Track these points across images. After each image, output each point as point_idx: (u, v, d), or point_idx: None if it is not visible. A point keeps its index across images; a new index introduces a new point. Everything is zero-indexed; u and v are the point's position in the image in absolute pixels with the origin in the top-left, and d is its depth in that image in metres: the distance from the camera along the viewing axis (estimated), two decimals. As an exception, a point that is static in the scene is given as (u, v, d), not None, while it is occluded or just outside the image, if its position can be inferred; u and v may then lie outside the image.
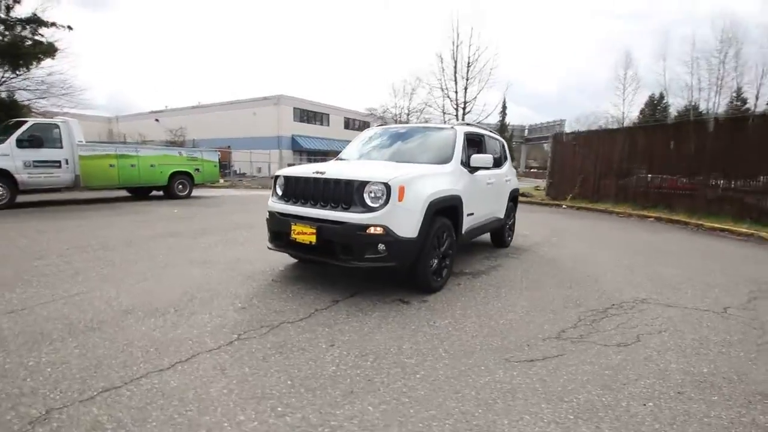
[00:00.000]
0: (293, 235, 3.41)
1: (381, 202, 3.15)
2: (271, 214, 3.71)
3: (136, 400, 1.84)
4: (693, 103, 34.04)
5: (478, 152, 4.63)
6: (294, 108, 32.95)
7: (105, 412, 1.74)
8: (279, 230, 3.61)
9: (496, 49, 34.04)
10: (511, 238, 6.14)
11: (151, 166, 11.02)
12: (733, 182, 10.25)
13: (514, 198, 6.06)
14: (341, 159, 4.69)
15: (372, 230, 3.11)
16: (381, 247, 3.14)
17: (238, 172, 27.47)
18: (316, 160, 34.10)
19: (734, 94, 32.87)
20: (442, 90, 21.50)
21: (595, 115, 38.95)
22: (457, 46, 20.49)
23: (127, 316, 2.83)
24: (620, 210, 11.80)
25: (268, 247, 3.83)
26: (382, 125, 5.43)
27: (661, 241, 7.10)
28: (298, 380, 2.08)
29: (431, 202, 3.36)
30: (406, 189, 3.20)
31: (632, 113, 37.52)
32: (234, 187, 19.29)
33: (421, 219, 3.27)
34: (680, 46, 56.57)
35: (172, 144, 23.45)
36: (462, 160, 4.17)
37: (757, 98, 32.46)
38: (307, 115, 34.54)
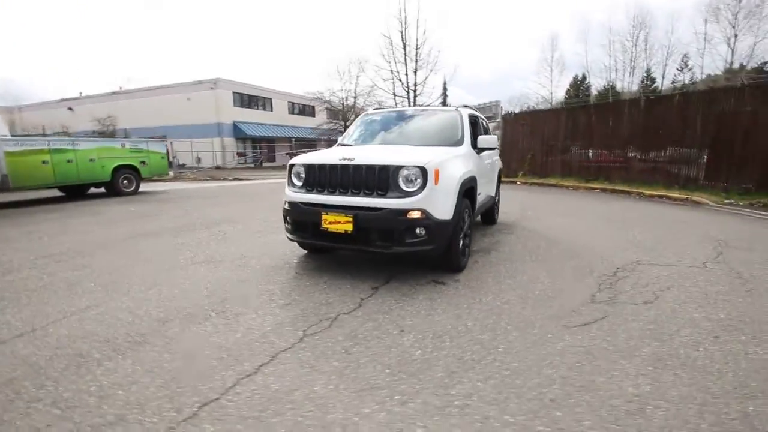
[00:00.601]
0: (324, 225, 3.30)
1: (417, 186, 3.16)
2: (293, 204, 3.54)
3: (246, 409, 1.73)
4: (611, 83, 37.87)
5: (475, 133, 4.77)
6: (233, 92, 30.77)
7: (221, 428, 1.61)
8: (305, 220, 3.47)
9: (441, 34, 34.73)
10: (497, 215, 6.47)
11: (91, 160, 9.79)
12: (657, 153, 11.64)
13: (500, 176, 6.36)
14: (345, 144, 4.56)
15: (412, 214, 3.11)
16: (420, 230, 3.17)
17: (178, 163, 25.32)
18: (261, 148, 32.57)
19: (645, 74, 37.03)
20: (392, 73, 21.54)
21: (526, 96, 41.61)
22: (406, 29, 20.53)
23: (165, 325, 2.58)
24: (569, 183, 12.87)
25: (289, 239, 3.68)
26: (378, 109, 5.33)
27: (617, 210, 7.91)
28: (395, 367, 2.08)
29: (462, 183, 3.44)
30: (441, 172, 3.23)
31: (559, 93, 40.80)
32: (180, 179, 17.82)
33: (455, 200, 3.34)
34: (599, 31, 61.79)
35: (101, 135, 20.87)
36: (470, 142, 4.28)
37: (663, 77, 36.93)
38: (249, 100, 32.51)
